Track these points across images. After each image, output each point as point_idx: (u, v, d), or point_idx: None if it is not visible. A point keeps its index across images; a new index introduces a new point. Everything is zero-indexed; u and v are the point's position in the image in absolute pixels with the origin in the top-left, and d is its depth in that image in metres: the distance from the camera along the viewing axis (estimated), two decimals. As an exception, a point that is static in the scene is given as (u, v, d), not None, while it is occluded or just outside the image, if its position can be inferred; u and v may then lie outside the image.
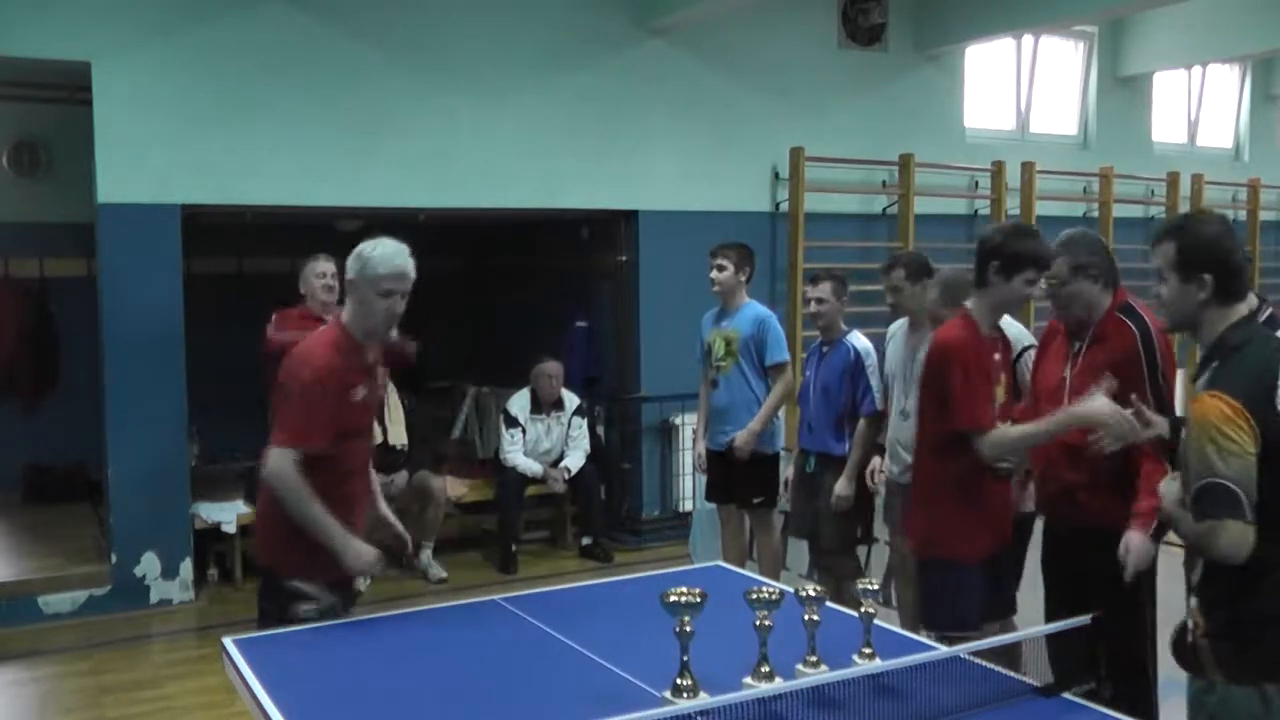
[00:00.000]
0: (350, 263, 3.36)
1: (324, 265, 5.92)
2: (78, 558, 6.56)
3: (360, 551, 3.27)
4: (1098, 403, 3.20)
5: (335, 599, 3.34)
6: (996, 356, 3.61)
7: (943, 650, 2.89)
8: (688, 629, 2.49)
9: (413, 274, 3.36)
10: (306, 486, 3.20)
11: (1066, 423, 3.32)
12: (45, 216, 8.18)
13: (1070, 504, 3.53)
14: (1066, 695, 2.70)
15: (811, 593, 2.70)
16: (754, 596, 2.60)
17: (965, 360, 3.44)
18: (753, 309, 5.62)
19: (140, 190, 6.25)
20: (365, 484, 3.55)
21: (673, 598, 2.50)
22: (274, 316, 6.01)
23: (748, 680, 2.57)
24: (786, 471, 5.64)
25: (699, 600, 2.51)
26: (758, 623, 2.57)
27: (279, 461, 3.22)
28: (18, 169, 8.27)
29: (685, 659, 2.51)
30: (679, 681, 2.51)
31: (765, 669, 2.58)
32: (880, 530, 5.26)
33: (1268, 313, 3.19)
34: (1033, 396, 3.78)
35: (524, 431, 7.33)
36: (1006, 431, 3.48)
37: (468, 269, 9.78)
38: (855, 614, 2.80)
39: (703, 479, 5.90)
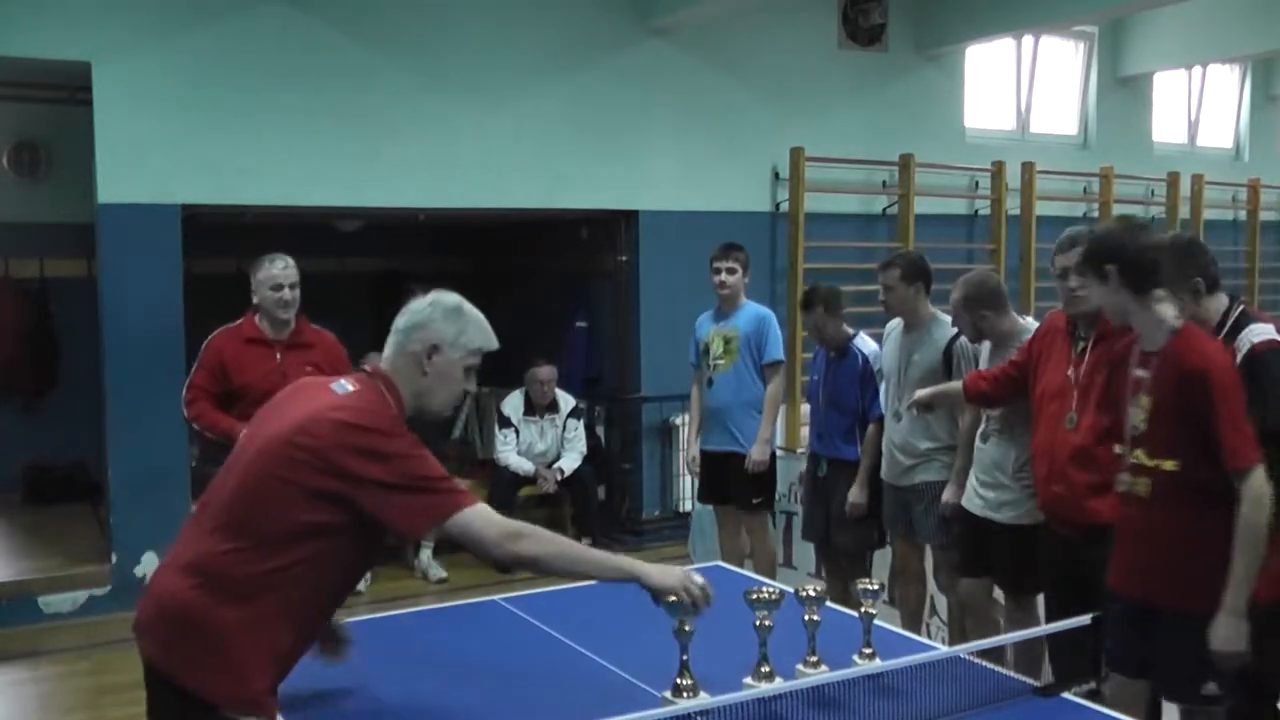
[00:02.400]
0: (439, 313, 2.62)
1: (281, 272, 4.60)
2: (78, 558, 6.55)
3: (667, 570, 2.50)
4: None
5: None
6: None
7: (942, 650, 2.89)
8: (688, 629, 2.49)
9: None
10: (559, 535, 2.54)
11: None
12: (45, 216, 8.18)
13: (1075, 505, 3.52)
14: (1066, 695, 2.69)
15: (811, 593, 2.70)
16: (754, 596, 2.60)
17: (1233, 385, 2.89)
18: (753, 308, 5.63)
19: (140, 190, 6.25)
20: None
21: (673, 598, 2.50)
22: (214, 337, 4.81)
23: (748, 680, 2.57)
24: (794, 475, 5.63)
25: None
26: (758, 623, 2.57)
27: (477, 520, 2.44)
28: (18, 169, 8.26)
29: (685, 659, 2.51)
30: (679, 681, 2.51)
31: (765, 669, 2.58)
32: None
33: (1239, 310, 3.20)
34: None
35: (517, 432, 7.33)
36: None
37: (468, 269, 9.77)
38: (855, 614, 2.80)
39: (702, 479, 5.88)
